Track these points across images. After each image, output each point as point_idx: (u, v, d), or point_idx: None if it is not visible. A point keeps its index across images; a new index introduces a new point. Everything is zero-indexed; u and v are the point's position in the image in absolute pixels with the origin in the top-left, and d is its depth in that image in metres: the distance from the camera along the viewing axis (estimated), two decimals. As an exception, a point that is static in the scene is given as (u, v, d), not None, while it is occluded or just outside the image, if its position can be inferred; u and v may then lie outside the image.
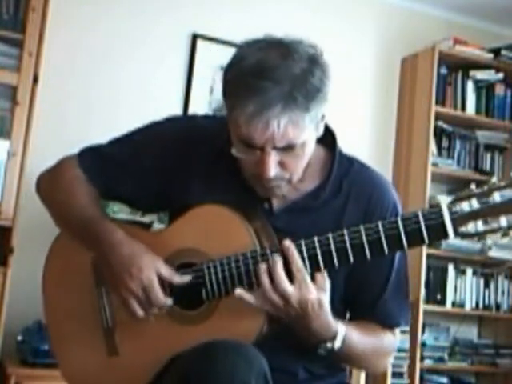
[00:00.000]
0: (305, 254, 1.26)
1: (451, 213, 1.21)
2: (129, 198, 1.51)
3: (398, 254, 1.41)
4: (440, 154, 3.86)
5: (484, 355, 3.87)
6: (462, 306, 3.81)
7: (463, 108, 3.89)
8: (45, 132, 3.11)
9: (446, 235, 1.22)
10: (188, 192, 1.41)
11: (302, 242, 1.27)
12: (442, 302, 3.77)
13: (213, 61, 3.54)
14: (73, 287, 1.47)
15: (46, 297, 1.52)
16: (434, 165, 3.76)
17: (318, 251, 1.26)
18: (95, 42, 3.36)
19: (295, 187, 1.38)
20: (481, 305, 3.86)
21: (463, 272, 3.85)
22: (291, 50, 1.25)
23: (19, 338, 2.81)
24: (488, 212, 1.20)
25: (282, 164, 1.28)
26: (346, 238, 1.25)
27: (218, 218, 1.33)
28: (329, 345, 1.28)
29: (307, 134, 1.27)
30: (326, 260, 1.26)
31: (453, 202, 1.22)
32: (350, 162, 1.44)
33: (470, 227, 1.21)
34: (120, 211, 2.89)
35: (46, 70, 2.99)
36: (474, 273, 3.88)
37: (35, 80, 2.85)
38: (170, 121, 1.52)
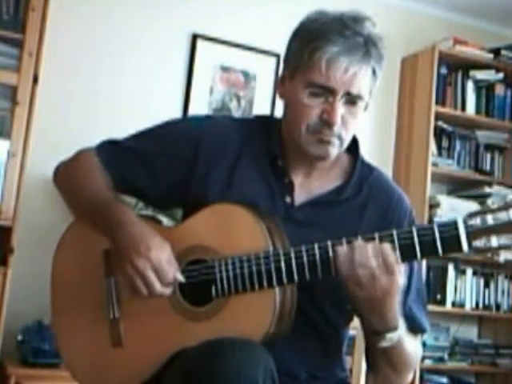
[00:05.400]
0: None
1: (466, 226, 1.22)
2: (143, 191, 1.51)
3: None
4: (440, 154, 3.86)
5: (484, 355, 3.87)
6: (462, 305, 3.81)
7: (463, 108, 3.89)
8: (45, 132, 3.11)
9: (460, 248, 1.22)
10: (207, 188, 1.41)
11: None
12: (442, 302, 3.77)
13: (213, 61, 3.55)
14: (82, 276, 1.47)
15: (55, 285, 1.52)
16: (434, 165, 3.76)
17: (331, 256, 1.26)
18: (95, 42, 3.36)
19: (319, 184, 1.43)
20: (481, 305, 3.86)
21: (463, 272, 3.85)
22: (361, 18, 1.35)
23: (19, 337, 2.81)
24: (503, 228, 1.21)
25: (342, 119, 1.34)
26: (361, 244, 1.25)
27: (232, 217, 1.33)
28: (390, 335, 1.29)
29: (368, 94, 1.36)
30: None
31: (469, 216, 1.23)
32: (370, 169, 1.50)
33: (484, 242, 1.22)
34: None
35: (46, 70, 2.99)
36: (474, 273, 3.88)
37: (35, 80, 2.85)
38: (190, 118, 1.57)
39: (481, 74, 3.91)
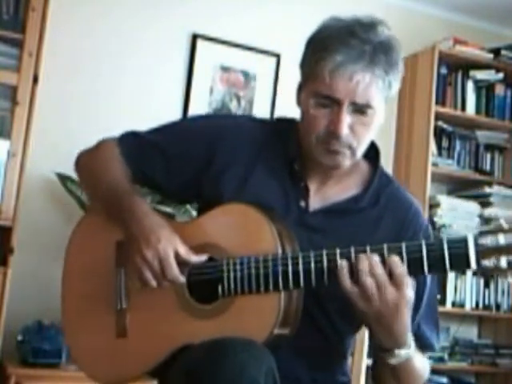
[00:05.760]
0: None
1: (476, 244, 1.20)
2: (159, 185, 1.52)
3: (429, 275, 1.40)
4: (440, 154, 3.86)
5: (484, 355, 3.87)
6: (462, 305, 3.81)
7: (463, 108, 3.89)
8: (45, 132, 3.11)
9: (468, 266, 1.20)
10: (221, 188, 1.42)
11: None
12: (442, 302, 3.76)
13: (213, 61, 3.55)
14: (93, 265, 1.48)
15: (66, 270, 1.53)
16: (434, 165, 3.76)
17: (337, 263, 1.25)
18: (95, 42, 3.36)
19: (335, 191, 1.42)
20: (481, 305, 3.85)
21: (463, 272, 3.84)
22: (374, 24, 1.35)
23: (19, 337, 2.81)
24: None
25: (351, 129, 1.33)
26: (368, 254, 1.24)
27: (244, 218, 1.34)
28: (401, 352, 1.27)
29: (379, 102, 1.34)
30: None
31: (480, 234, 1.21)
32: (389, 180, 1.48)
33: (493, 262, 1.20)
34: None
35: (46, 70, 2.99)
36: (474, 273, 3.87)
37: (35, 80, 2.85)
38: (212, 117, 1.59)
39: (481, 74, 3.90)
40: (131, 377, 1.41)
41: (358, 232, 1.37)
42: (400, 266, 1.21)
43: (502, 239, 1.19)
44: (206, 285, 1.34)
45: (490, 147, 4.01)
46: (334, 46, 1.30)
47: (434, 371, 3.75)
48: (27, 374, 2.72)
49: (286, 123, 1.49)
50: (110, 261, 1.45)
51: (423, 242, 1.22)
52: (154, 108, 3.35)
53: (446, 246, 1.21)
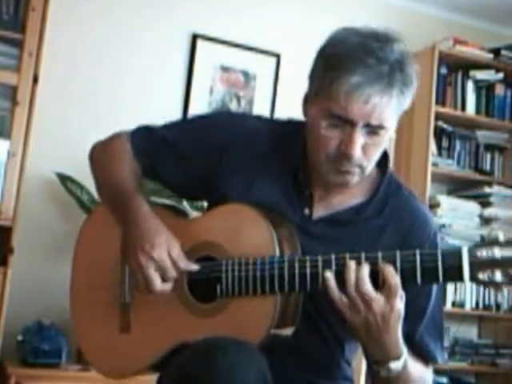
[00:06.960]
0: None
1: (471, 257, 1.18)
2: (169, 181, 1.53)
3: (435, 287, 1.39)
4: (440, 154, 3.86)
5: (484, 355, 3.86)
6: (461, 306, 3.80)
7: (463, 108, 3.89)
8: (45, 132, 3.11)
9: (461, 278, 1.19)
10: (228, 187, 1.42)
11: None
12: (442, 302, 3.75)
13: (213, 61, 3.55)
14: (102, 257, 1.49)
15: (76, 262, 1.55)
16: (434, 165, 3.76)
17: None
18: (95, 42, 3.36)
19: (340, 198, 1.40)
20: (481, 305, 3.85)
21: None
22: (389, 38, 1.30)
23: (19, 337, 2.81)
24: (510, 264, 1.17)
25: (363, 149, 1.29)
26: (363, 261, 1.23)
27: (245, 219, 1.34)
28: (392, 365, 1.26)
29: (393, 122, 1.31)
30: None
31: (475, 247, 1.19)
32: (399, 186, 1.45)
33: (488, 275, 1.18)
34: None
35: (46, 70, 2.99)
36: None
37: (35, 80, 2.85)
38: (226, 117, 1.59)
39: (481, 74, 3.90)
40: (132, 371, 1.43)
41: (361, 241, 1.35)
42: (394, 277, 1.20)
43: (497, 252, 1.18)
44: (205, 284, 1.34)
45: (490, 147, 4.01)
46: (349, 65, 1.24)
47: (434, 371, 3.75)
48: (27, 373, 2.72)
49: (295, 127, 1.44)
50: (118, 255, 1.45)
51: (417, 252, 1.21)
52: (154, 108, 3.35)
53: (440, 258, 1.19)
